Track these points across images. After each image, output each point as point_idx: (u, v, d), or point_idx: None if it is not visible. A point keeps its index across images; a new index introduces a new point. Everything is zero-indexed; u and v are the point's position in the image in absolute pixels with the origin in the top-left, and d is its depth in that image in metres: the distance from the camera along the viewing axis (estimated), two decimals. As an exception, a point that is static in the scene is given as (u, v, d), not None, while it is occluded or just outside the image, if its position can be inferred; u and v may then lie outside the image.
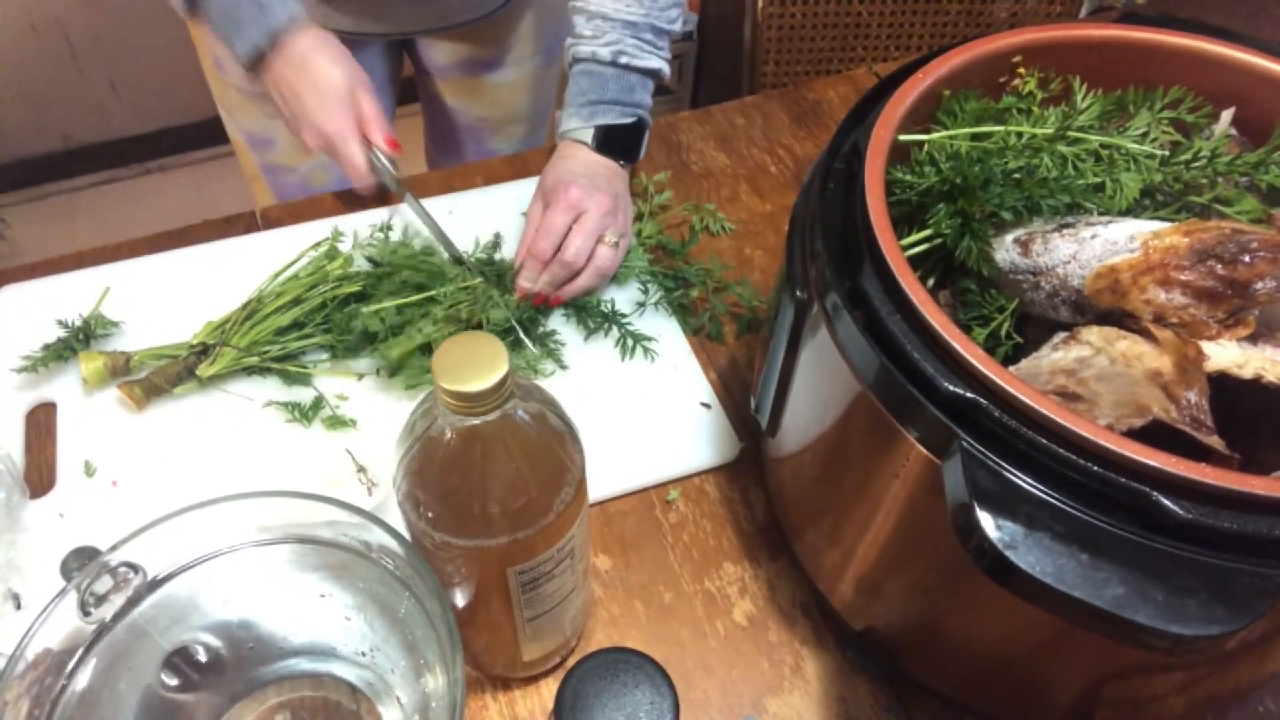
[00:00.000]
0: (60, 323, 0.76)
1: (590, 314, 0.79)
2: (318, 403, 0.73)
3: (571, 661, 0.53)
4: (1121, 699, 0.51)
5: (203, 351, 0.73)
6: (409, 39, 1.06)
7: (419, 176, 0.93)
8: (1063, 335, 0.49)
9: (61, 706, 0.48)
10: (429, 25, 1.01)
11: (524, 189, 0.88)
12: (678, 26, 0.86)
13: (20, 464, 0.70)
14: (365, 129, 0.81)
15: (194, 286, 0.80)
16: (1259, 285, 0.45)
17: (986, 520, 0.39)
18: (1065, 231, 0.50)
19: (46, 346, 0.74)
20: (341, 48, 0.82)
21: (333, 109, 0.80)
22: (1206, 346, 0.46)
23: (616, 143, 0.83)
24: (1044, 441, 0.40)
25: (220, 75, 0.99)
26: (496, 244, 0.84)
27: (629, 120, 0.83)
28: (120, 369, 0.73)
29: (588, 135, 0.83)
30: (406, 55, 1.12)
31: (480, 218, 0.86)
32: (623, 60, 0.82)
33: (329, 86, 0.80)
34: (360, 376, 0.75)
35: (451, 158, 1.19)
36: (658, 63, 0.84)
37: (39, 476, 0.70)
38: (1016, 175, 0.53)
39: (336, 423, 0.72)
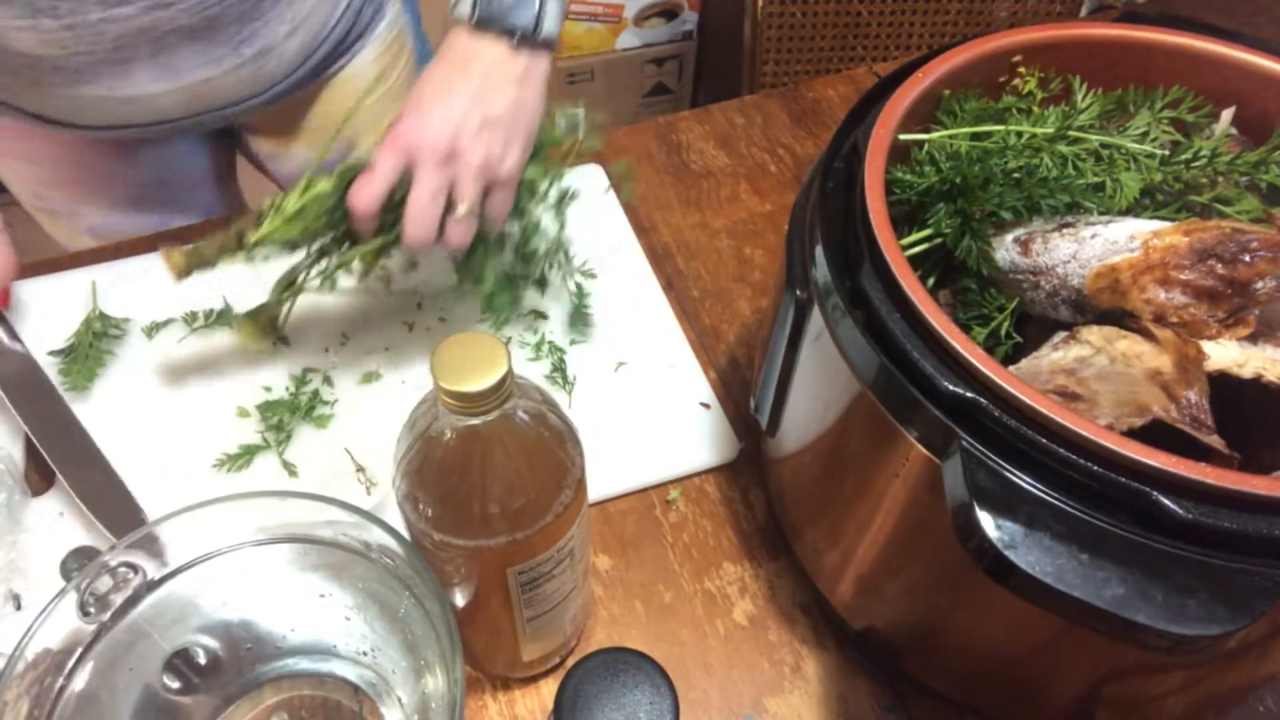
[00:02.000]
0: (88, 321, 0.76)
1: (580, 321, 0.78)
2: (313, 398, 0.73)
3: (571, 661, 0.53)
4: (1121, 699, 0.51)
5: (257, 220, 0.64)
6: (198, 129, 0.88)
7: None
8: (1063, 335, 0.49)
9: (61, 706, 0.48)
10: (199, 109, 0.83)
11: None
12: None
13: (20, 464, 0.70)
14: None
15: (194, 286, 0.80)
16: (1259, 284, 0.45)
17: (986, 520, 0.39)
18: (1065, 231, 0.50)
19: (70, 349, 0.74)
20: None
21: None
22: (1206, 346, 0.46)
23: (499, 10, 0.64)
24: (1044, 441, 0.40)
25: None
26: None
27: None
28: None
29: (465, 7, 0.64)
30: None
31: (480, 217, 0.86)
32: None
33: None
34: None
35: None
36: None
37: (39, 476, 0.70)
38: (1016, 175, 0.53)
39: (323, 421, 0.72)
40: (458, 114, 0.62)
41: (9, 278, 0.71)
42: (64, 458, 0.67)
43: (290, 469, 0.69)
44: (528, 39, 0.64)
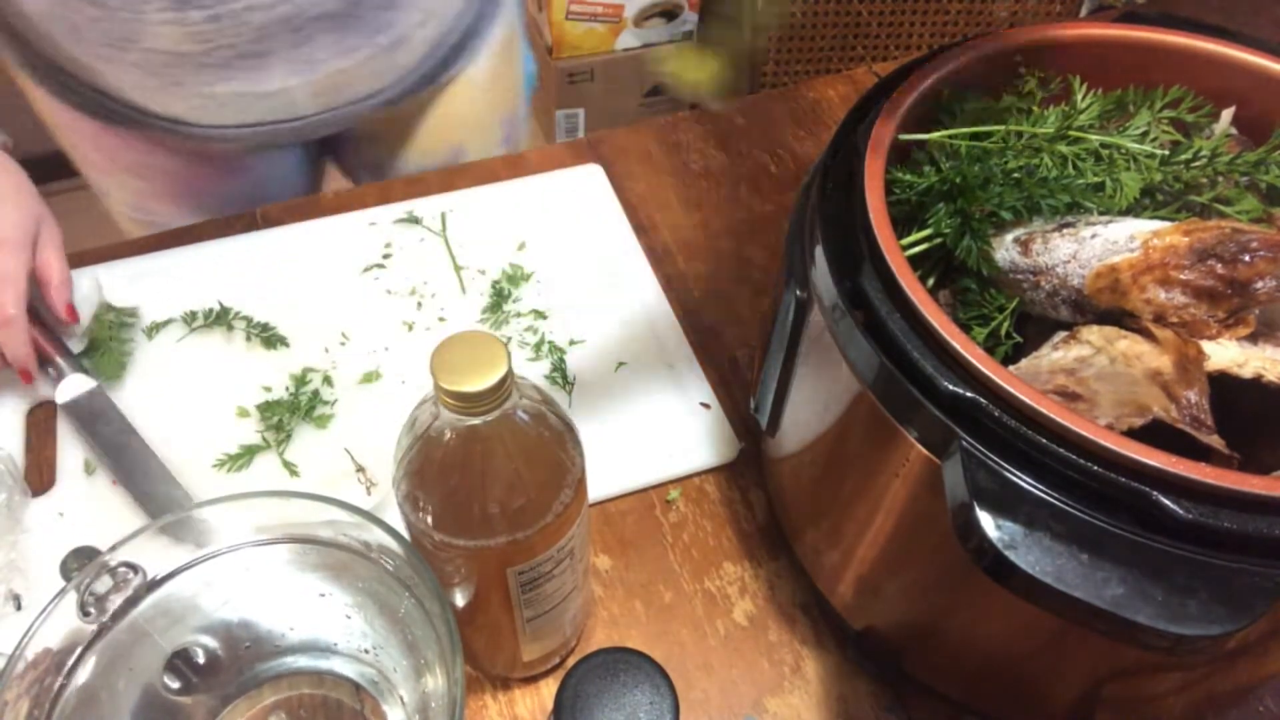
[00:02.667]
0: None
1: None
2: (313, 398, 0.73)
3: (571, 661, 0.53)
4: (1121, 699, 0.51)
5: None
6: (313, 136, 0.92)
7: (419, 176, 0.92)
8: (1063, 335, 0.49)
9: (61, 706, 0.48)
10: (326, 106, 0.86)
11: (524, 187, 0.89)
12: None
13: (21, 464, 0.70)
14: (42, 288, 0.70)
15: (194, 286, 0.80)
16: (1259, 284, 0.45)
17: (986, 520, 0.39)
18: (1065, 231, 0.50)
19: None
20: (30, 186, 0.70)
21: (13, 225, 0.67)
22: (1206, 346, 0.46)
23: None
24: (1044, 441, 0.40)
25: None
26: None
27: None
28: None
29: None
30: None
31: (480, 218, 0.86)
32: None
33: (8, 217, 0.67)
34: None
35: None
36: None
37: (39, 476, 0.70)
38: (1016, 175, 0.53)
39: (323, 421, 0.72)
40: None
41: (67, 290, 0.71)
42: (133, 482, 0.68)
43: (290, 469, 0.69)
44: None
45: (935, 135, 0.55)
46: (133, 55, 0.75)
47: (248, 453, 0.70)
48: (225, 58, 0.76)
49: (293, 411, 0.72)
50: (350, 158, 1.05)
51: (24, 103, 0.86)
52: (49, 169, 0.91)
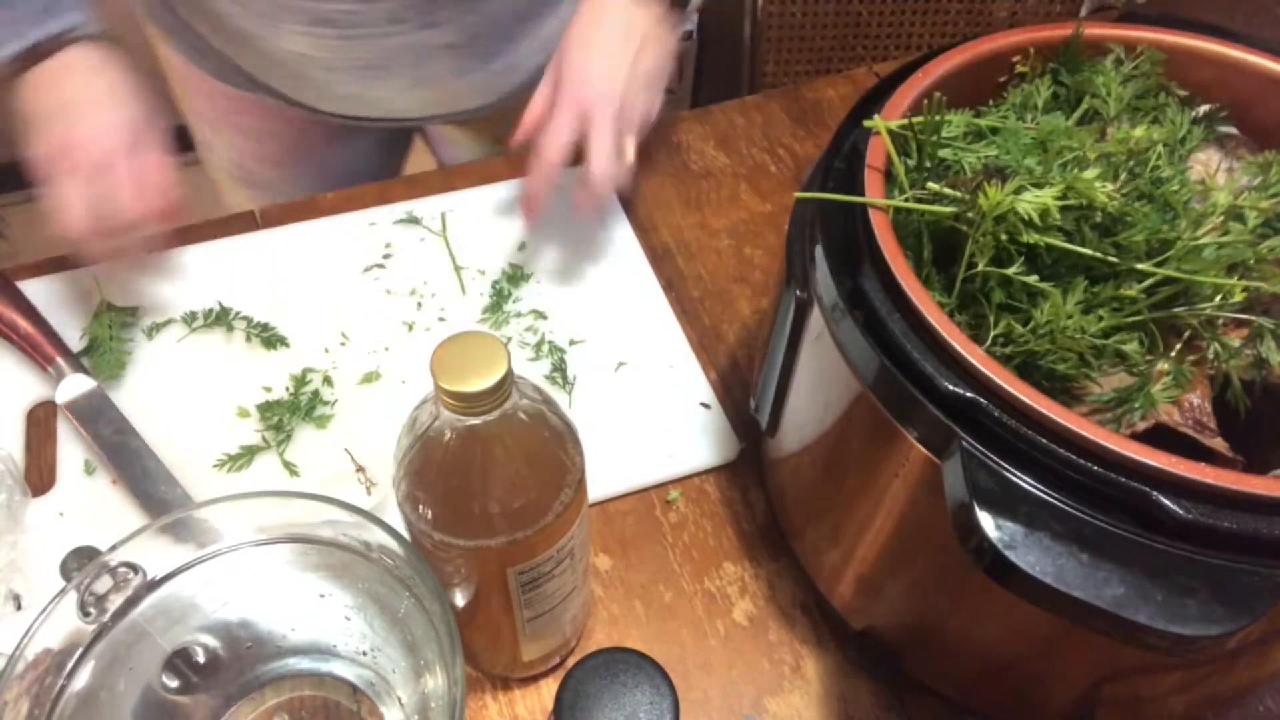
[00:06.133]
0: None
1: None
2: (313, 398, 0.73)
3: (571, 661, 0.53)
4: (1121, 699, 0.51)
5: None
6: (416, 126, 0.97)
7: (419, 176, 0.92)
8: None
9: (61, 706, 0.48)
10: (433, 111, 0.90)
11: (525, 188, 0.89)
12: None
13: (21, 464, 0.70)
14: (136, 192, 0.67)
15: (194, 286, 0.80)
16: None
17: (986, 520, 0.39)
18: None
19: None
20: (135, 80, 0.67)
21: (111, 129, 0.64)
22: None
23: None
24: (1044, 441, 0.40)
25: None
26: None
27: None
28: None
29: None
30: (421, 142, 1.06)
31: (480, 218, 0.86)
32: None
33: (112, 106, 0.65)
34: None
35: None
36: None
37: (39, 476, 0.70)
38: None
39: (323, 421, 0.72)
40: (623, 75, 0.69)
41: (158, 195, 0.67)
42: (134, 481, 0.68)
43: (290, 469, 0.69)
44: (677, 6, 0.72)
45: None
46: (263, 46, 0.77)
47: (248, 453, 0.70)
48: (348, 66, 0.79)
49: (293, 411, 0.72)
50: (438, 142, 1.07)
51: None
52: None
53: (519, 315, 0.80)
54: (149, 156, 0.67)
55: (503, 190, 0.89)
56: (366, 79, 0.81)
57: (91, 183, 0.65)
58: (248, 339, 0.77)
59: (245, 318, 0.78)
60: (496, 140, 1.01)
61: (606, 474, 0.70)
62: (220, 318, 0.78)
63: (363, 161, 0.99)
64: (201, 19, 0.73)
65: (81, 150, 0.64)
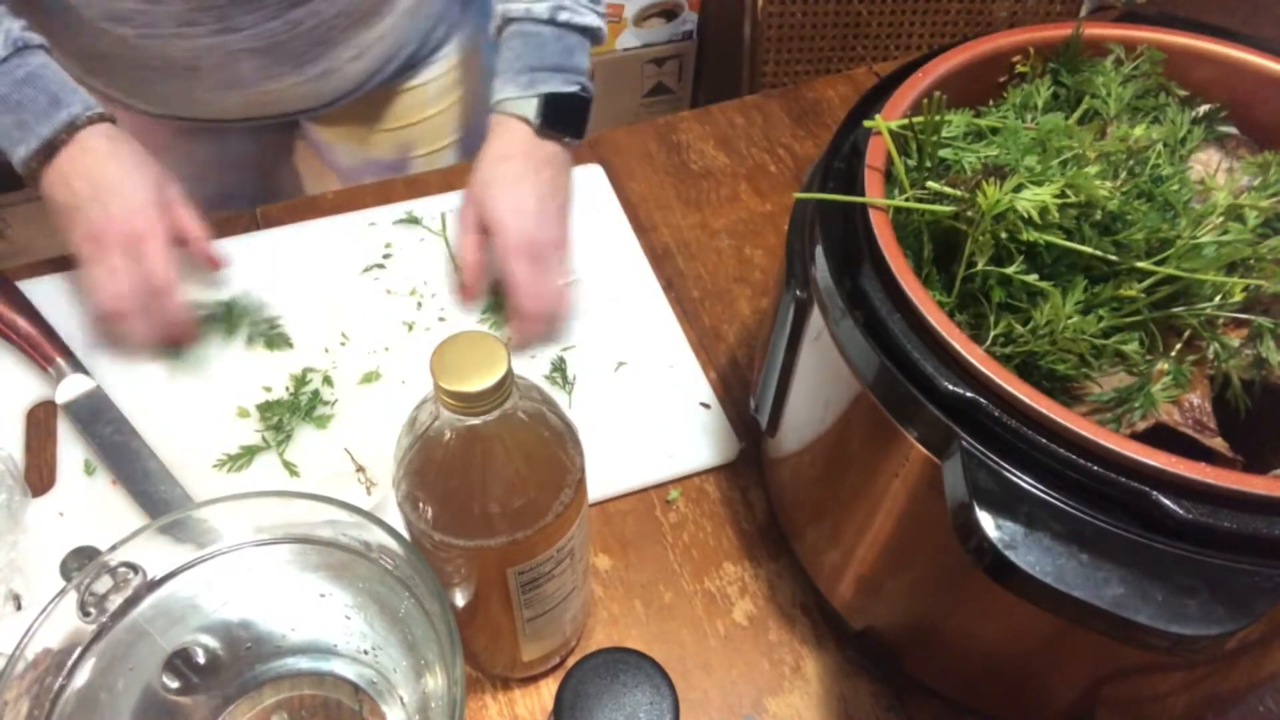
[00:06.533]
0: None
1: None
2: (313, 398, 0.73)
3: (571, 661, 0.53)
4: (1121, 699, 0.51)
5: None
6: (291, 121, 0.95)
7: (419, 176, 0.92)
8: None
9: (61, 706, 0.48)
10: (258, 113, 0.88)
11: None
12: None
13: (21, 464, 0.70)
14: (183, 244, 0.72)
15: (194, 285, 0.80)
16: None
17: (986, 520, 0.39)
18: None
19: None
20: (144, 151, 0.71)
21: (142, 205, 0.68)
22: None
23: (562, 117, 0.74)
24: (1044, 441, 0.40)
25: None
26: None
27: (573, 88, 0.75)
28: None
29: (529, 108, 0.74)
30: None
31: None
32: (562, 17, 0.75)
33: (137, 183, 0.69)
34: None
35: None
36: (596, 20, 0.77)
37: (39, 476, 0.70)
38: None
39: (323, 421, 0.72)
40: (550, 209, 0.74)
41: (206, 241, 0.73)
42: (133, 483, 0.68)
43: (290, 469, 0.69)
44: (575, 141, 0.77)
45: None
46: (78, 44, 0.76)
47: (248, 453, 0.70)
48: (158, 65, 0.78)
49: (293, 411, 0.72)
50: (303, 131, 1.05)
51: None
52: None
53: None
54: (180, 218, 0.71)
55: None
56: (181, 79, 0.80)
57: (134, 256, 0.68)
58: (249, 339, 0.77)
59: (248, 316, 0.78)
60: (361, 141, 1.00)
61: (606, 474, 0.70)
62: (221, 318, 0.78)
63: (229, 155, 0.97)
64: (29, 11, 0.72)
65: (121, 227, 0.68)
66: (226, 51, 0.77)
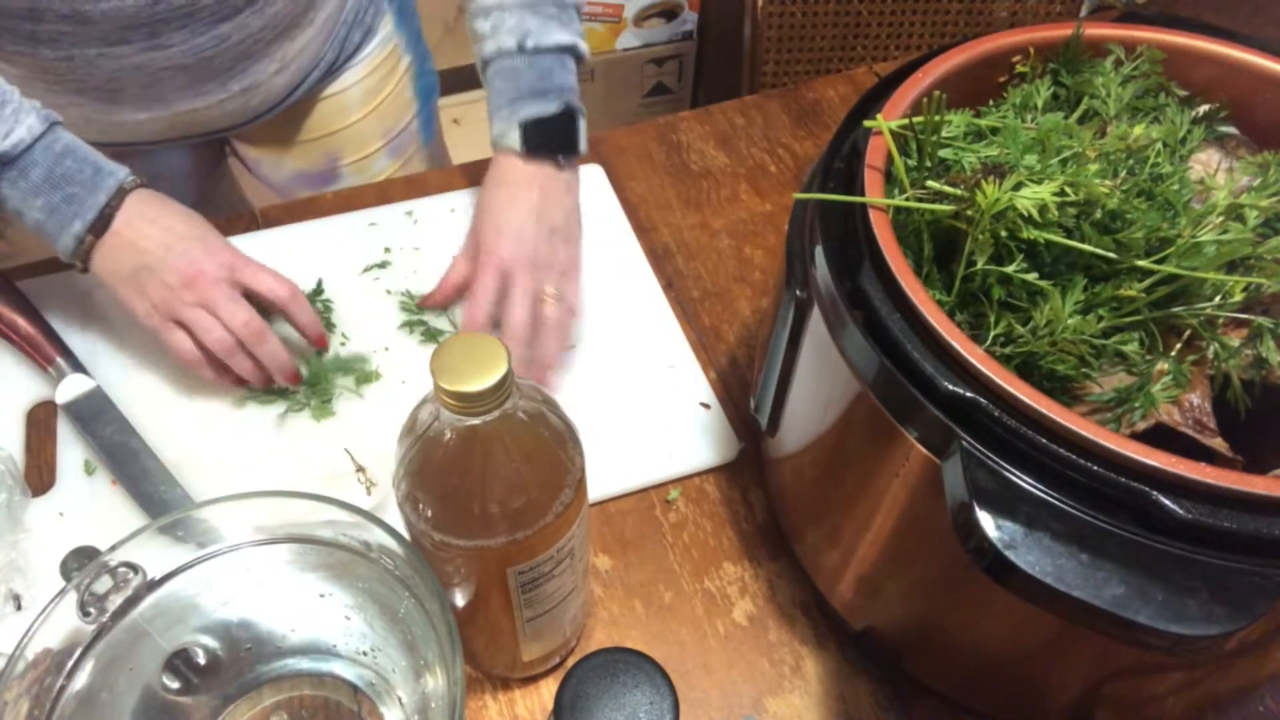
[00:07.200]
0: None
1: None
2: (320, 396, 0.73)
3: (571, 661, 0.53)
4: (1121, 699, 0.51)
5: None
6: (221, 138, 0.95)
7: (418, 176, 0.92)
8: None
9: (61, 706, 0.48)
10: (181, 134, 0.87)
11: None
12: None
13: (21, 464, 0.70)
14: (279, 309, 0.73)
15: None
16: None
17: (986, 520, 0.39)
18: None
19: None
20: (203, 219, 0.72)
21: (220, 247, 0.70)
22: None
23: (547, 138, 0.75)
24: (1044, 441, 0.40)
25: None
26: None
27: (554, 107, 0.75)
28: None
29: (514, 138, 0.75)
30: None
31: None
32: (530, 44, 0.75)
33: (206, 228, 0.70)
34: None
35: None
36: (569, 37, 0.77)
37: (39, 476, 0.70)
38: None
39: (323, 420, 0.72)
40: (530, 230, 0.74)
41: (303, 300, 0.73)
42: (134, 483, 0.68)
43: (325, 412, 0.72)
44: (570, 157, 0.77)
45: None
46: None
47: (279, 394, 0.72)
48: (76, 88, 0.76)
49: (294, 410, 0.72)
50: (232, 148, 1.04)
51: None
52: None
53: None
54: (249, 267, 0.71)
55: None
56: (99, 101, 0.78)
57: (231, 297, 0.69)
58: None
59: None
60: (286, 153, 0.99)
61: (606, 474, 0.70)
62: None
63: (159, 169, 0.95)
64: None
65: (213, 271, 0.68)
66: (152, 70, 0.76)
